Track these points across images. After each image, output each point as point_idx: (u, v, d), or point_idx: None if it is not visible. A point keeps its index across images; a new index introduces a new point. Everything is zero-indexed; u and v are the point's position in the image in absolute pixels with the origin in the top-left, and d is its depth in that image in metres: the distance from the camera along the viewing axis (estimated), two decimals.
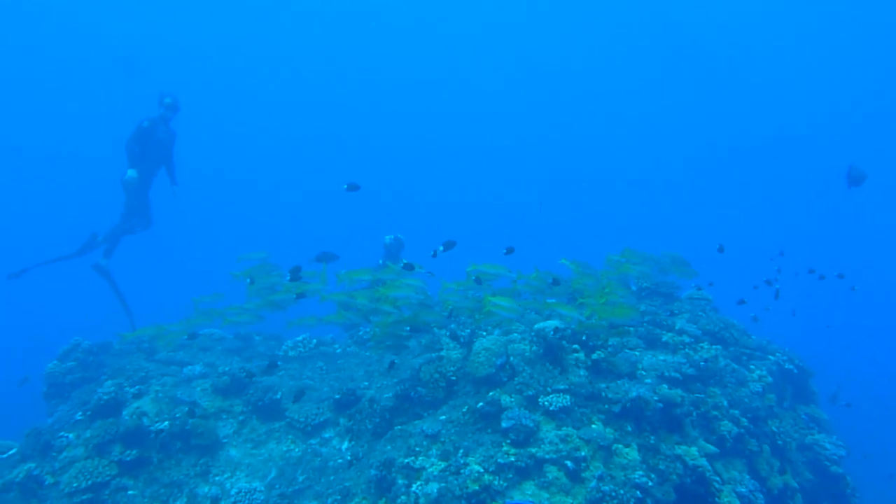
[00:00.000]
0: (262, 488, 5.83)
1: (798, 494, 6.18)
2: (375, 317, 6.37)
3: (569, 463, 4.88)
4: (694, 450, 5.30)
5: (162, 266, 28.71)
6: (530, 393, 5.56)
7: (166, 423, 6.17)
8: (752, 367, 7.12)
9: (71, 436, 6.14)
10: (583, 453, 4.98)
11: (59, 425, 6.41)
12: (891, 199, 37.27)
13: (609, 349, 6.17)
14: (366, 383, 7.17)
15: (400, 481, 4.92)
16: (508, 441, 5.11)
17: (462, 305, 6.13)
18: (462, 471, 4.81)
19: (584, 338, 6.21)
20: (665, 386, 5.81)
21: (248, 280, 7.00)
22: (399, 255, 10.22)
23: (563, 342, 6.13)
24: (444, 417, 5.69)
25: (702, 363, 6.46)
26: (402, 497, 4.74)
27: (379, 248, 10.44)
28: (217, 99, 44.06)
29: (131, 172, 9.10)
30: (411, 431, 5.59)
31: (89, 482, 5.51)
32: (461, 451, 5.10)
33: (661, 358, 6.54)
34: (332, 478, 5.79)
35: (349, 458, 6.01)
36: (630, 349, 6.70)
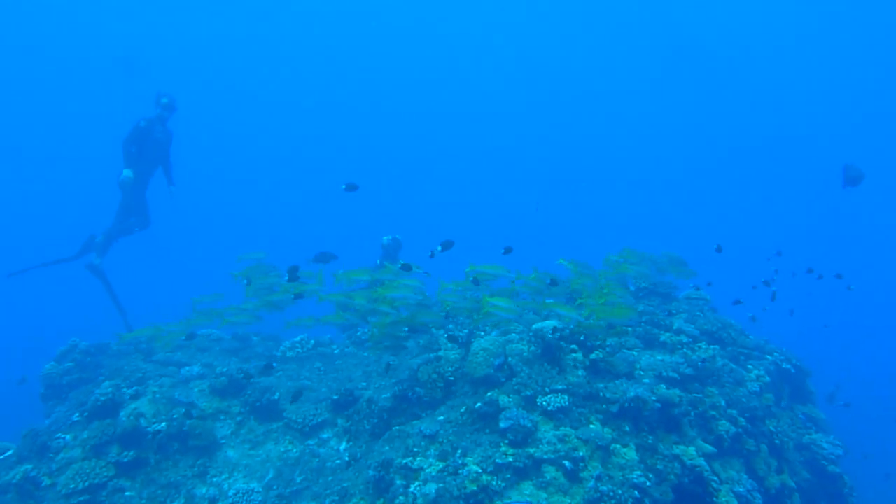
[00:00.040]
0: (260, 489, 5.82)
1: (795, 494, 6.18)
2: (373, 317, 6.37)
3: (567, 463, 4.88)
4: (692, 449, 5.29)
5: (161, 266, 28.72)
6: (528, 393, 5.56)
7: (164, 424, 6.16)
8: (749, 366, 7.12)
9: (68, 437, 6.13)
10: (581, 453, 4.97)
11: (56, 426, 6.41)
12: (889, 199, 37.30)
13: (607, 349, 6.17)
14: (364, 384, 7.17)
15: (398, 482, 4.91)
16: (506, 441, 5.10)
17: (460, 306, 6.13)
18: (460, 471, 4.81)
19: (582, 338, 6.21)
20: (663, 386, 5.81)
21: (246, 281, 7.00)
22: (397, 255, 10.22)
23: (562, 342, 6.13)
24: (442, 418, 5.68)
25: (700, 363, 6.46)
26: (401, 497, 4.74)
27: (377, 248, 10.43)
28: (217, 99, 44.11)
29: (127, 172, 9.09)
30: (409, 432, 5.58)
31: (86, 483, 5.50)
32: (459, 451, 5.09)
33: (659, 358, 6.54)
34: (330, 478, 5.78)
35: (347, 458, 6.00)
36: (628, 349, 6.70)
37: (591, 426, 5.28)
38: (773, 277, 9.48)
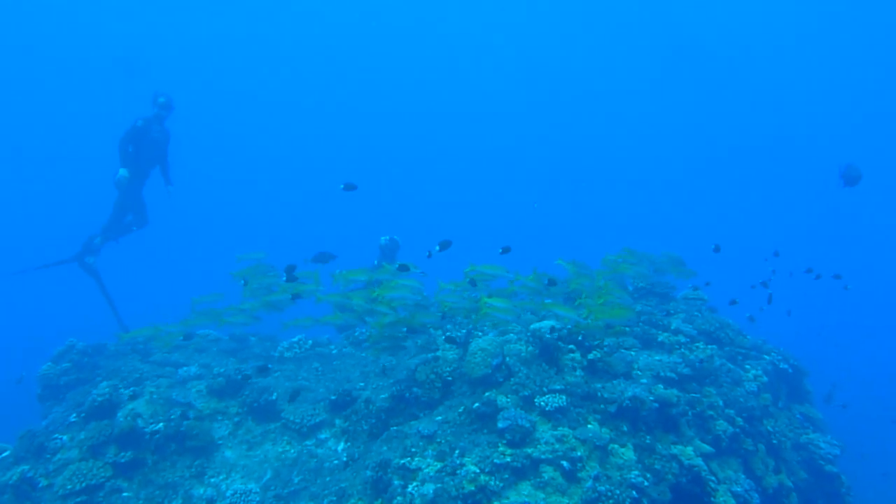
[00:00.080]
0: (258, 490, 5.82)
1: (793, 493, 6.18)
2: (371, 318, 6.36)
3: (565, 463, 4.88)
4: (690, 449, 5.29)
5: (160, 266, 28.70)
6: (526, 393, 5.56)
7: (161, 424, 6.16)
8: (747, 366, 7.12)
9: (65, 437, 6.13)
10: (579, 453, 4.97)
11: (53, 427, 6.40)
12: (887, 199, 37.31)
13: (605, 349, 6.17)
14: (362, 384, 7.16)
15: (396, 482, 4.91)
16: (504, 441, 5.10)
17: (459, 306, 6.13)
18: (458, 471, 4.81)
19: (580, 338, 6.21)
20: (661, 386, 5.81)
21: (243, 281, 6.99)
22: (395, 256, 10.20)
23: (559, 342, 6.13)
24: (440, 418, 5.68)
25: (697, 363, 6.46)
26: (399, 498, 4.73)
27: (375, 249, 10.42)
28: (217, 99, 44.13)
29: (123, 172, 9.10)
30: (407, 432, 5.58)
31: (83, 484, 5.49)
32: (457, 451, 5.09)
33: (657, 358, 6.54)
34: (327, 479, 5.78)
35: (345, 459, 6.00)
36: (626, 349, 6.69)
37: (589, 426, 5.28)
38: (770, 278, 9.48)
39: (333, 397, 6.74)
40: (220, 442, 6.39)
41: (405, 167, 47.23)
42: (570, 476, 4.86)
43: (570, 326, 6.17)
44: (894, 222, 37.91)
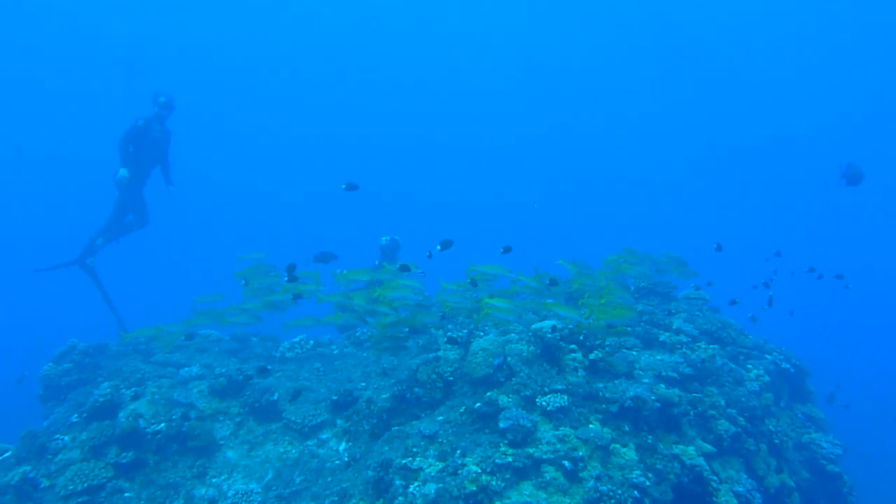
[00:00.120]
0: (259, 490, 5.82)
1: (795, 493, 6.18)
2: (372, 318, 6.36)
3: (566, 463, 4.87)
4: (691, 449, 5.29)
5: (161, 266, 28.71)
6: (528, 393, 5.55)
7: (163, 424, 6.16)
8: (749, 366, 7.11)
9: (67, 438, 6.13)
10: (580, 453, 4.97)
11: (54, 427, 6.40)
12: (889, 198, 37.29)
13: (606, 349, 6.16)
14: (363, 384, 7.16)
15: (397, 482, 4.91)
16: (506, 441, 5.09)
17: (461, 306, 6.12)
18: (460, 471, 4.80)
19: (581, 338, 6.20)
20: (662, 385, 5.81)
21: (244, 281, 6.99)
22: (395, 256, 10.20)
23: (561, 342, 6.12)
24: (441, 418, 5.68)
25: (699, 363, 6.45)
26: (400, 498, 4.73)
27: (375, 249, 10.42)
28: (218, 99, 44.14)
29: (123, 171, 9.09)
30: (409, 432, 5.58)
31: (85, 485, 5.50)
32: (459, 451, 5.08)
33: (659, 357, 6.54)
34: (329, 479, 5.78)
35: (346, 459, 5.99)
36: (627, 349, 6.69)
37: (591, 426, 5.28)
38: (771, 279, 9.47)
39: (335, 397, 6.74)
40: (222, 442, 6.39)
41: (406, 167, 47.27)
42: (572, 476, 4.86)
43: (571, 326, 6.17)
44: (894, 222, 37.89)
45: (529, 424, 5.14)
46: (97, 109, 41.42)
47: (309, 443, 6.38)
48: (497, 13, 44.31)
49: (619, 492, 4.68)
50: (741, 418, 6.20)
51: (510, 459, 4.89)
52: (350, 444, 6.20)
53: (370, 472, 5.07)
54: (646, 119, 46.55)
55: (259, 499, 5.70)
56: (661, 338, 7.03)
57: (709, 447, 5.51)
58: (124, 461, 5.78)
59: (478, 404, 5.52)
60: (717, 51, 41.76)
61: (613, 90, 46.12)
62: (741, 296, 8.64)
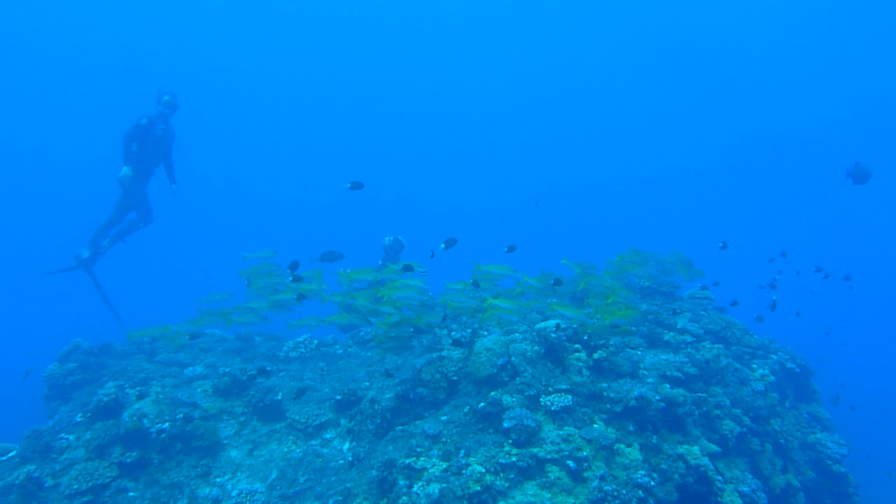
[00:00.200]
0: (263, 489, 5.82)
1: (800, 493, 6.15)
2: (376, 317, 6.36)
3: (571, 463, 4.86)
4: (696, 449, 5.27)
5: (165, 265, 28.77)
6: (532, 393, 5.54)
7: (167, 424, 6.16)
8: (754, 366, 7.09)
9: (71, 437, 6.13)
10: (585, 453, 4.95)
11: (59, 427, 6.41)
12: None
13: (611, 348, 6.15)
14: (367, 384, 7.16)
15: (401, 482, 4.90)
16: (510, 441, 5.08)
17: (465, 306, 6.11)
18: (464, 471, 4.79)
19: (585, 337, 6.19)
20: (667, 385, 5.79)
21: (247, 282, 6.98)
22: (398, 256, 10.20)
23: (565, 342, 6.11)
24: (445, 418, 5.67)
25: (704, 362, 6.44)
26: (404, 498, 4.72)
27: (379, 249, 10.42)
28: (221, 99, 44.19)
29: (126, 170, 9.10)
30: (413, 432, 5.57)
31: (90, 484, 5.50)
32: (463, 451, 5.08)
33: (663, 357, 6.52)
34: (333, 479, 5.77)
35: (350, 458, 5.99)
36: (632, 348, 6.68)
37: (595, 426, 5.26)
38: (775, 279, 9.43)
39: (339, 397, 6.73)
40: (226, 442, 6.39)
41: (409, 168, 47.28)
42: (576, 476, 4.85)
43: (575, 326, 6.15)
44: None
45: (533, 424, 5.13)
46: (99, 109, 41.50)
47: (313, 442, 6.38)
48: (499, 15, 44.28)
49: (624, 492, 4.67)
50: (746, 418, 6.19)
51: (514, 459, 4.89)
52: (354, 443, 6.19)
53: (374, 472, 5.07)
54: (650, 119, 46.51)
55: (263, 498, 5.70)
56: (666, 337, 7.01)
57: (714, 447, 5.49)
58: (128, 461, 5.78)
59: (482, 404, 5.51)
60: (720, 50, 41.66)
61: (617, 90, 46.06)
62: (747, 296, 8.61)
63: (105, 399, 6.34)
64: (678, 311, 7.68)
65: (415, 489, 4.75)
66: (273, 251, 7.45)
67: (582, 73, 45.63)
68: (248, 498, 5.68)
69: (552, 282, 6.36)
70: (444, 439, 5.31)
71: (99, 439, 5.92)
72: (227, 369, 7.22)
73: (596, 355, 6.05)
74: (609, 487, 4.69)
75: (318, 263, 7.28)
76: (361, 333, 8.77)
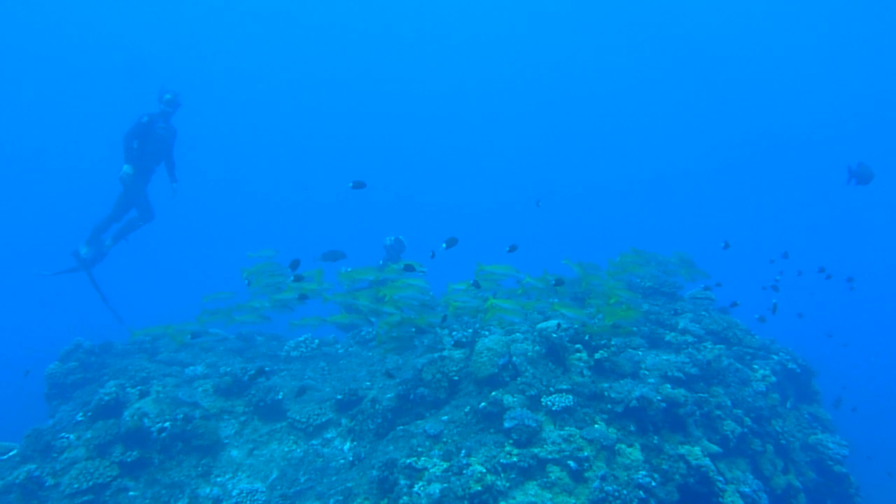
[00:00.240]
0: (264, 489, 5.81)
1: (801, 494, 6.14)
2: (377, 317, 6.35)
3: (571, 463, 4.85)
4: (697, 449, 5.26)
5: (165, 264, 28.79)
6: (533, 393, 5.54)
7: (167, 423, 6.16)
8: (755, 366, 7.08)
9: (72, 436, 6.13)
10: (585, 453, 4.95)
11: (59, 426, 6.41)
12: None
13: (612, 349, 6.14)
14: (368, 383, 7.15)
15: (402, 482, 4.89)
16: (511, 441, 5.08)
17: (468, 306, 6.10)
18: (464, 471, 4.79)
19: (586, 337, 6.18)
20: (668, 385, 5.78)
21: (247, 281, 6.97)
22: (400, 256, 10.18)
23: (566, 342, 6.10)
24: (446, 418, 5.66)
25: (705, 363, 6.43)
26: (405, 497, 4.71)
27: (380, 249, 10.41)
28: (222, 100, 44.22)
29: (126, 168, 9.09)
30: (413, 432, 5.57)
31: (90, 483, 5.50)
32: (463, 451, 5.07)
33: (665, 357, 6.51)
34: (333, 478, 5.77)
35: (351, 458, 5.99)
36: (633, 349, 6.67)
37: (596, 426, 5.25)
38: (777, 280, 9.42)
39: (339, 397, 6.73)
40: (227, 441, 6.39)
41: (410, 168, 47.28)
42: (577, 476, 4.84)
43: (577, 326, 6.15)
44: None
45: (534, 424, 5.12)
46: (101, 109, 41.52)
47: (314, 442, 6.37)
48: (499, 15, 44.28)
49: (625, 492, 4.66)
50: (747, 419, 6.18)
51: (515, 459, 4.88)
52: (355, 443, 6.19)
53: (375, 472, 5.06)
54: (651, 119, 46.51)
55: (263, 498, 5.69)
56: (667, 338, 7.00)
57: (715, 447, 5.49)
58: (129, 460, 5.78)
59: (483, 404, 5.50)
60: (720, 50, 41.65)
61: (617, 90, 46.06)
62: (750, 296, 8.59)
63: (106, 398, 6.34)
64: (679, 311, 7.68)
65: (416, 489, 4.75)
66: (275, 250, 7.43)
67: (582, 73, 45.61)
68: (249, 497, 5.68)
69: (554, 282, 6.35)
70: (444, 439, 5.30)
71: (99, 438, 5.92)
72: (228, 369, 7.22)
73: (597, 355, 6.04)
74: (610, 488, 4.68)
75: (320, 263, 7.28)
76: (363, 333, 8.76)
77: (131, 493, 5.60)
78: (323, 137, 48.44)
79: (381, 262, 10.09)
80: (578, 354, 6.04)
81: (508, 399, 5.45)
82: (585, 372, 5.88)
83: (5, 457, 6.11)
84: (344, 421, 6.52)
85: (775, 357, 7.45)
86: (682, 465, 5.07)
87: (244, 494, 5.69)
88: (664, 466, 5.02)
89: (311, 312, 6.77)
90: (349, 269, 6.60)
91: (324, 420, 6.54)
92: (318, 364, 8.10)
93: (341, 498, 5.17)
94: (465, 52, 47.02)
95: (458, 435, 5.33)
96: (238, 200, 42.64)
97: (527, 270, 6.41)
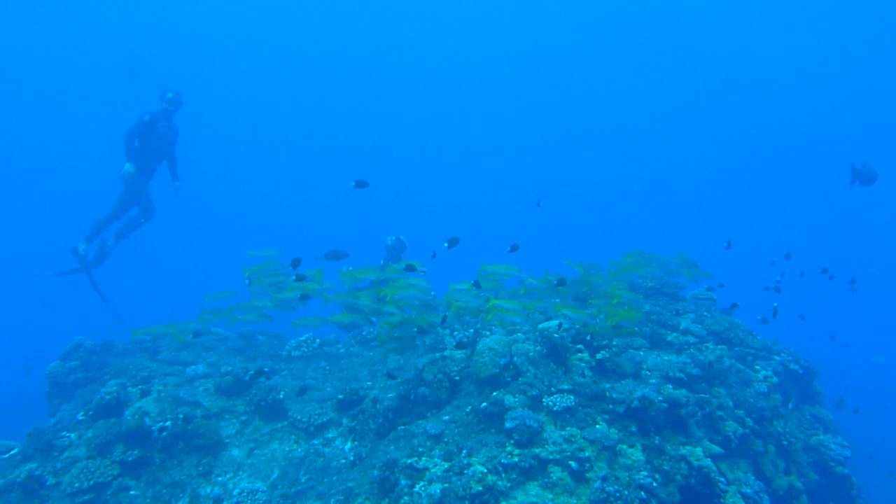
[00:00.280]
0: (265, 489, 5.81)
1: (803, 495, 6.13)
2: (378, 317, 6.34)
3: (573, 463, 4.85)
4: (699, 450, 5.26)
5: (166, 263, 28.79)
6: (534, 393, 5.53)
7: (169, 422, 6.15)
8: (757, 367, 7.07)
9: (73, 435, 6.13)
10: (587, 454, 4.94)
11: (61, 425, 6.40)
12: None
13: (613, 349, 6.13)
14: (369, 383, 7.15)
15: (403, 482, 4.89)
16: (512, 441, 5.07)
17: (470, 306, 6.09)
18: (465, 471, 4.78)
19: (588, 338, 6.18)
20: (670, 386, 5.78)
21: (248, 281, 6.96)
22: (401, 256, 10.18)
23: (568, 342, 6.10)
24: (447, 418, 5.66)
25: (707, 363, 6.42)
26: (406, 497, 4.71)
27: (380, 249, 10.41)
28: (222, 100, 44.23)
29: (128, 166, 9.09)
30: (415, 432, 5.56)
31: (91, 482, 5.49)
32: (465, 451, 5.07)
33: (666, 358, 6.50)
34: (334, 478, 5.76)
35: (352, 458, 5.98)
36: (634, 349, 6.66)
37: (598, 426, 5.25)
38: (778, 281, 9.41)
39: (341, 396, 6.72)
40: (228, 440, 6.38)
41: (409, 167, 47.30)
42: (579, 476, 4.83)
43: (578, 326, 6.14)
44: None
45: (536, 424, 5.12)
46: (101, 108, 41.55)
47: (314, 442, 6.37)
48: (500, 15, 44.27)
49: (626, 493, 4.65)
50: (749, 419, 6.17)
51: (516, 459, 4.88)
52: (356, 443, 6.18)
53: (376, 472, 5.06)
54: (651, 119, 46.50)
55: (264, 497, 5.69)
56: (669, 338, 7.00)
57: (716, 448, 5.48)
58: (130, 459, 5.78)
59: (484, 404, 5.50)
60: (720, 50, 41.60)
61: (618, 89, 46.03)
62: (752, 297, 8.58)
63: (107, 397, 6.33)
64: (681, 311, 7.67)
65: (416, 489, 4.74)
66: (278, 249, 7.42)
67: (582, 73, 45.58)
68: (250, 497, 5.67)
69: (556, 282, 6.35)
70: (446, 439, 5.30)
71: (100, 437, 5.92)
72: (230, 368, 7.21)
73: (599, 356, 6.04)
74: (611, 488, 4.67)
75: (322, 262, 7.27)
76: (364, 333, 8.76)
77: (132, 493, 5.60)
78: (323, 137, 48.45)
79: (381, 262, 10.08)
80: (580, 355, 6.04)
81: (510, 399, 5.45)
82: (587, 372, 5.87)
83: (6, 455, 6.11)
84: (345, 421, 6.52)
85: (777, 358, 7.44)
86: (683, 465, 5.06)
87: (245, 494, 5.69)
88: (666, 467, 5.01)
89: (313, 312, 6.76)
90: (350, 269, 6.59)
91: (325, 420, 6.54)
92: (320, 364, 8.10)
93: (342, 498, 5.17)
94: (466, 52, 46.99)
95: (460, 435, 5.32)
96: (239, 200, 42.68)
97: (527, 271, 6.40)
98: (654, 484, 4.77)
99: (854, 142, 39.90)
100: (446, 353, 6.63)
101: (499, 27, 44.93)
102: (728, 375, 6.61)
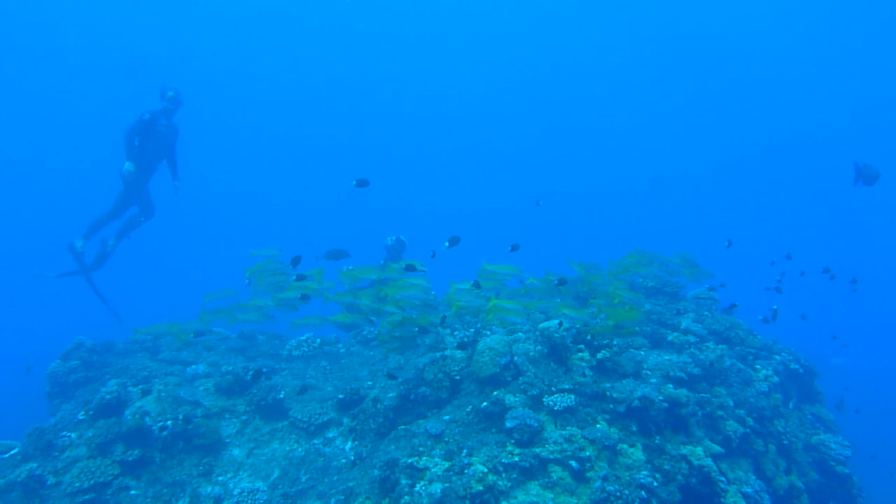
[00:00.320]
0: (265, 488, 5.81)
1: (804, 495, 6.13)
2: (378, 317, 6.34)
3: (573, 463, 4.85)
4: (699, 450, 5.25)
5: (166, 263, 28.79)
6: (535, 392, 5.53)
7: (169, 422, 6.15)
8: (757, 366, 7.07)
9: (73, 435, 6.13)
10: (587, 453, 4.94)
11: (61, 425, 6.40)
12: None
13: (614, 348, 6.13)
14: (370, 383, 7.15)
15: (403, 481, 4.89)
16: (513, 441, 5.07)
17: (471, 305, 6.09)
18: (466, 471, 4.78)
19: (588, 337, 6.17)
20: (670, 385, 5.77)
21: (247, 281, 6.95)
22: (401, 256, 10.17)
23: (568, 342, 6.09)
24: (448, 417, 5.66)
25: (707, 363, 6.42)
26: (406, 497, 4.71)
27: (380, 249, 10.40)
28: (223, 99, 44.23)
29: (128, 165, 9.07)
30: (415, 431, 5.56)
31: (91, 482, 5.50)
32: (465, 451, 5.07)
33: (667, 357, 6.50)
34: (335, 478, 5.76)
35: (353, 458, 5.98)
36: (635, 349, 6.66)
37: (598, 426, 5.25)
38: (779, 281, 9.40)
39: (341, 396, 6.72)
40: (228, 440, 6.38)
41: (409, 167, 47.30)
42: (579, 476, 4.83)
43: (578, 326, 6.14)
44: None
45: (536, 424, 5.12)
46: (102, 108, 41.54)
47: (315, 441, 6.37)
48: (500, 15, 44.25)
49: (627, 492, 4.65)
50: (750, 419, 6.17)
51: (517, 459, 4.88)
52: (356, 442, 6.18)
53: (376, 471, 5.06)
54: (652, 119, 46.47)
55: (265, 497, 5.69)
56: (670, 338, 6.99)
57: (717, 448, 5.48)
58: (130, 459, 5.77)
59: (484, 404, 5.50)
60: (720, 50, 41.57)
61: (618, 89, 45.98)
62: (753, 297, 8.57)
63: (107, 397, 6.33)
64: (682, 311, 7.66)
65: (417, 489, 4.74)
66: (279, 249, 7.42)
67: (583, 73, 45.53)
68: (250, 497, 5.67)
69: (557, 282, 6.34)
70: (446, 439, 5.30)
71: (101, 437, 5.92)
72: (230, 367, 7.21)
73: (599, 355, 6.03)
74: (612, 488, 4.67)
75: (322, 261, 7.26)
76: (364, 332, 8.75)
77: (133, 492, 5.60)
78: (323, 137, 48.43)
79: (381, 261, 10.07)
80: (580, 354, 6.03)
81: (510, 399, 5.45)
82: (587, 372, 5.87)
83: (7, 455, 6.11)
84: (345, 420, 6.52)
85: (778, 357, 7.43)
86: (684, 465, 5.06)
87: (245, 493, 5.69)
88: (666, 467, 5.01)
89: (313, 311, 6.76)
90: (350, 268, 6.58)
91: (325, 419, 6.53)
92: (320, 363, 8.10)
93: (343, 497, 5.17)
94: (466, 52, 46.94)
95: (460, 434, 5.32)
96: (239, 199, 42.69)
97: (528, 270, 6.40)
98: (655, 483, 4.77)
99: (854, 142, 39.87)
100: (447, 352, 6.63)
101: (499, 27, 44.89)
102: (729, 375, 6.61)
